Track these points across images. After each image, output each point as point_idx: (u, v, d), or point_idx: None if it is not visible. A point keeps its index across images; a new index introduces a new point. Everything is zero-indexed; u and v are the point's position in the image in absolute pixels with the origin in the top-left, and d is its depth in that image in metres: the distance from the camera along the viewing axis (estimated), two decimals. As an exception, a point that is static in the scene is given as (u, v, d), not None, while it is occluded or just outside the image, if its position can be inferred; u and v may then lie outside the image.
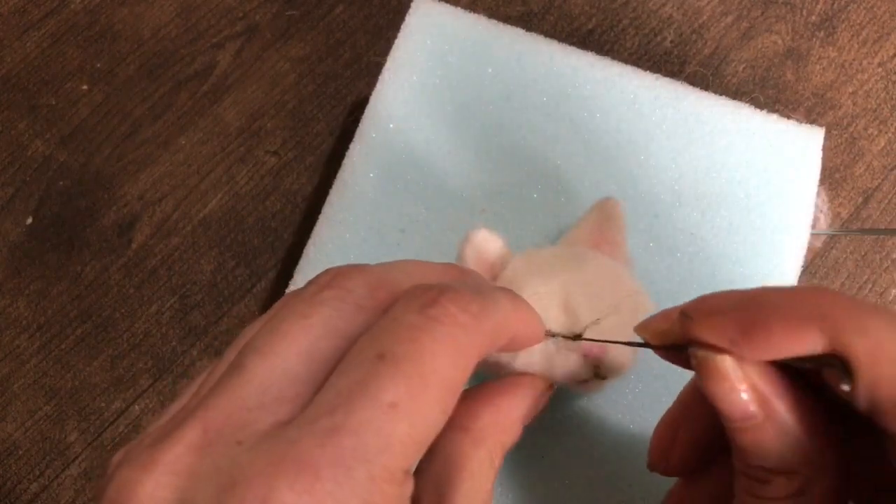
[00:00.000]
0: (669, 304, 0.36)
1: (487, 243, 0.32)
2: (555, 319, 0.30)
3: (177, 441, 0.20)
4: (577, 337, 0.30)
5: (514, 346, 0.25)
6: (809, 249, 0.42)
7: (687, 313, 0.24)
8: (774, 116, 0.40)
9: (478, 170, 0.40)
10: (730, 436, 0.24)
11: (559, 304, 0.30)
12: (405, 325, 0.21)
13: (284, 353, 0.21)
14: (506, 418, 0.26)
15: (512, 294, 0.25)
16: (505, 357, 0.30)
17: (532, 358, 0.30)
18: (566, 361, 0.29)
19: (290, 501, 0.18)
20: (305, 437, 0.19)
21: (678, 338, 0.25)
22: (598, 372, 0.30)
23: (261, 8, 0.50)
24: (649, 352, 0.30)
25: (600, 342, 0.29)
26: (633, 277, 0.33)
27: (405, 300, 0.22)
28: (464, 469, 0.25)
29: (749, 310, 0.23)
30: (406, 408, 0.20)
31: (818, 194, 0.40)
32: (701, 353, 0.24)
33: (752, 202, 0.39)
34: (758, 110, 0.40)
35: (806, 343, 0.22)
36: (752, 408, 0.23)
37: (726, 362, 0.23)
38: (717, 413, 0.24)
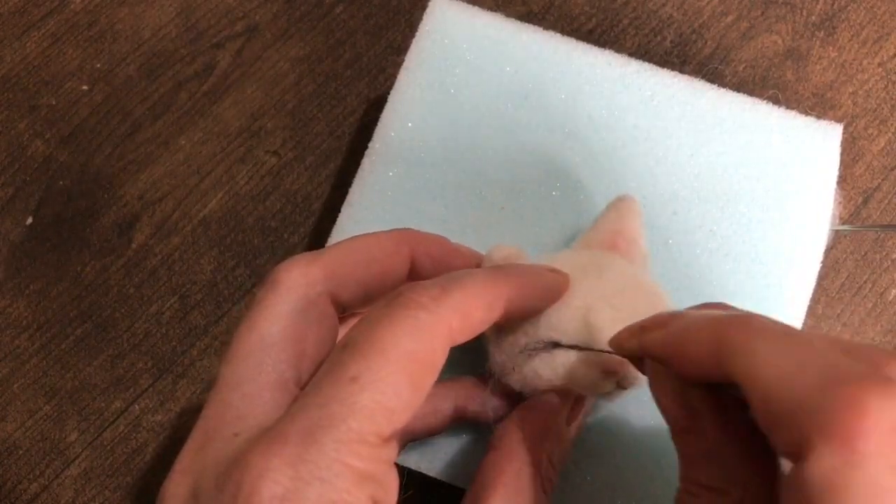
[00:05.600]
0: (688, 301, 0.37)
1: (507, 260, 0.32)
2: (574, 332, 0.30)
3: (186, 449, 0.24)
4: (557, 345, 0.30)
5: (516, 313, 0.28)
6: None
7: (642, 327, 0.26)
8: (793, 113, 0.40)
9: (496, 168, 0.40)
10: (674, 443, 0.25)
11: (580, 318, 0.30)
12: (369, 317, 0.24)
13: (241, 351, 0.26)
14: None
15: (492, 271, 0.28)
16: (529, 373, 0.30)
17: (555, 373, 0.30)
18: (588, 375, 0.30)
19: (261, 465, 0.22)
20: (282, 418, 0.23)
21: (639, 350, 0.27)
22: (620, 384, 0.30)
23: (261, 8, 0.50)
24: None
25: (577, 348, 0.30)
26: (651, 279, 0.33)
27: (378, 301, 0.25)
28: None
29: (672, 332, 0.25)
30: (367, 379, 0.23)
31: (835, 191, 0.40)
32: (649, 361, 0.26)
33: (770, 198, 0.39)
34: (775, 106, 0.40)
35: (710, 368, 0.23)
36: (685, 421, 0.25)
37: (663, 373, 0.25)
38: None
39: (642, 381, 0.30)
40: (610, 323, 0.29)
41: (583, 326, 0.30)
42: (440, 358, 0.25)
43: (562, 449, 0.30)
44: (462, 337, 0.25)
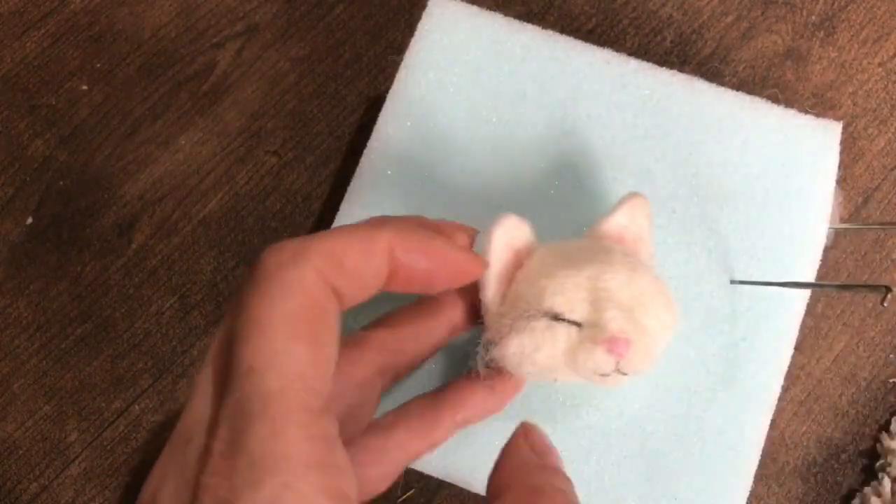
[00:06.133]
0: (686, 300, 0.37)
1: (517, 229, 0.32)
2: (580, 311, 0.30)
3: (163, 451, 0.24)
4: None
5: (413, 274, 0.27)
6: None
7: None
8: (792, 111, 0.40)
9: (495, 166, 0.40)
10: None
11: (585, 297, 0.30)
12: (239, 298, 0.23)
13: (207, 361, 0.24)
14: None
15: (371, 219, 0.27)
16: (528, 346, 0.30)
17: (556, 348, 0.29)
18: (590, 355, 0.29)
19: (208, 485, 0.21)
20: (210, 431, 0.22)
21: None
22: (619, 368, 0.30)
23: (261, 8, 0.50)
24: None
25: (579, 325, 0.29)
26: (657, 274, 0.32)
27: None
28: None
29: None
30: (261, 362, 0.22)
31: (835, 190, 0.39)
32: None
33: (769, 197, 0.39)
34: (775, 105, 0.40)
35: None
36: None
37: None
38: None
39: (641, 367, 0.30)
40: (617, 303, 0.29)
41: (589, 304, 0.29)
42: (325, 302, 0.23)
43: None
44: (345, 283, 0.24)
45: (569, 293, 0.29)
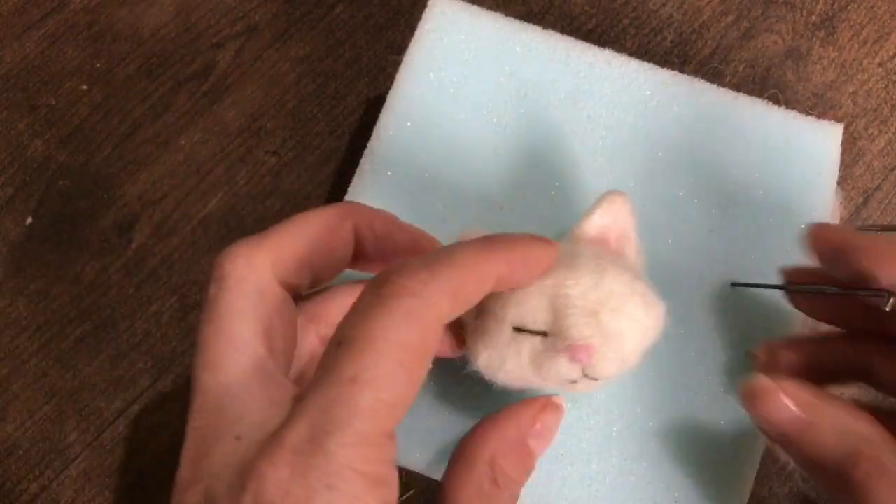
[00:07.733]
0: (687, 302, 0.37)
1: None
2: (543, 320, 0.29)
3: (186, 459, 0.24)
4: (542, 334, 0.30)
5: (507, 284, 0.27)
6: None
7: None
8: (793, 112, 0.40)
9: (495, 167, 0.40)
10: (786, 449, 0.29)
11: (547, 305, 0.29)
12: (360, 309, 0.24)
13: (216, 354, 0.26)
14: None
15: (479, 244, 0.27)
16: (496, 360, 0.30)
17: (521, 360, 0.29)
18: (553, 363, 0.29)
19: (272, 475, 0.22)
20: (287, 423, 0.23)
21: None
22: (587, 374, 0.30)
23: (261, 8, 0.50)
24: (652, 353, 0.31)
25: (543, 335, 0.29)
26: (637, 273, 0.32)
27: (365, 288, 0.24)
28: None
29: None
30: (365, 378, 0.22)
31: (836, 191, 0.39)
32: (746, 384, 0.30)
33: (770, 198, 0.39)
34: (775, 106, 0.40)
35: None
36: (798, 413, 0.29)
37: (765, 380, 0.29)
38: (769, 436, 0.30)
39: (609, 372, 0.30)
40: (580, 309, 0.29)
41: (552, 312, 0.29)
42: (433, 344, 0.24)
43: (524, 461, 0.31)
44: (453, 316, 0.25)
45: (531, 302, 0.29)
